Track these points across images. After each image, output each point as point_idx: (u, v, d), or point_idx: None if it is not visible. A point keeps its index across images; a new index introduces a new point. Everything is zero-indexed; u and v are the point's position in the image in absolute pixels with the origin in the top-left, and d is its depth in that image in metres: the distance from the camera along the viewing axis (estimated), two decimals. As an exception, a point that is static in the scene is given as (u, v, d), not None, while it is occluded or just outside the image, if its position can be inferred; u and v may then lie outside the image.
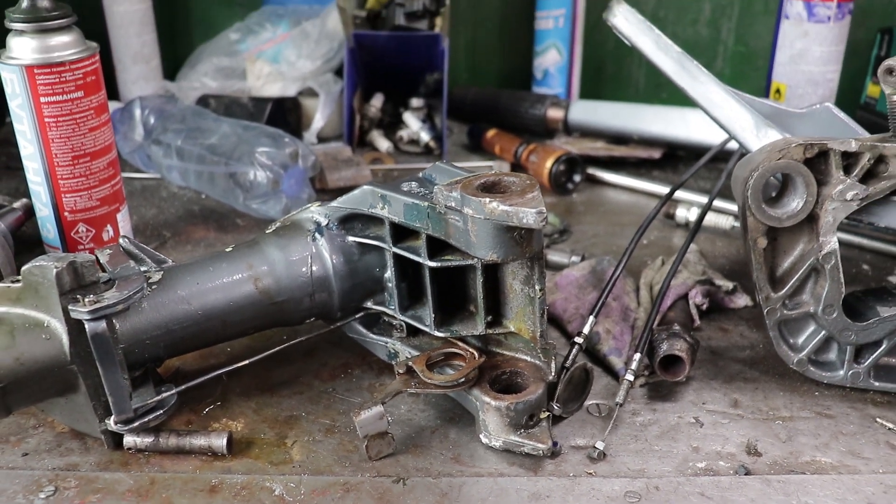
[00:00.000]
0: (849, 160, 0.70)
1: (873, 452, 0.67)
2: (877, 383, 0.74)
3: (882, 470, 0.65)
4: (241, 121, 1.11)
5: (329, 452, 0.66)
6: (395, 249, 0.69)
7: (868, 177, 0.70)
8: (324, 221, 0.72)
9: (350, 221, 0.73)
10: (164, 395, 0.66)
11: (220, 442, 0.65)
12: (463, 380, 0.66)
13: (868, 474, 0.65)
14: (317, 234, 0.72)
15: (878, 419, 0.71)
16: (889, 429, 0.70)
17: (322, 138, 1.32)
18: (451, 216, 0.63)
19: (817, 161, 0.70)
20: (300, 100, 1.32)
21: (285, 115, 1.28)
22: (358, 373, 0.76)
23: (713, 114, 0.81)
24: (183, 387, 0.67)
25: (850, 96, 1.34)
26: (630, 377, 0.71)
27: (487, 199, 0.59)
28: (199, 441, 0.65)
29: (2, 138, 1.34)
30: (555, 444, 0.65)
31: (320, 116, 1.30)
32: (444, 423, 0.70)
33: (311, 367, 0.77)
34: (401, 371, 0.67)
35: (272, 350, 0.71)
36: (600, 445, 0.66)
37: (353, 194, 0.71)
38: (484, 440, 0.66)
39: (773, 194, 0.72)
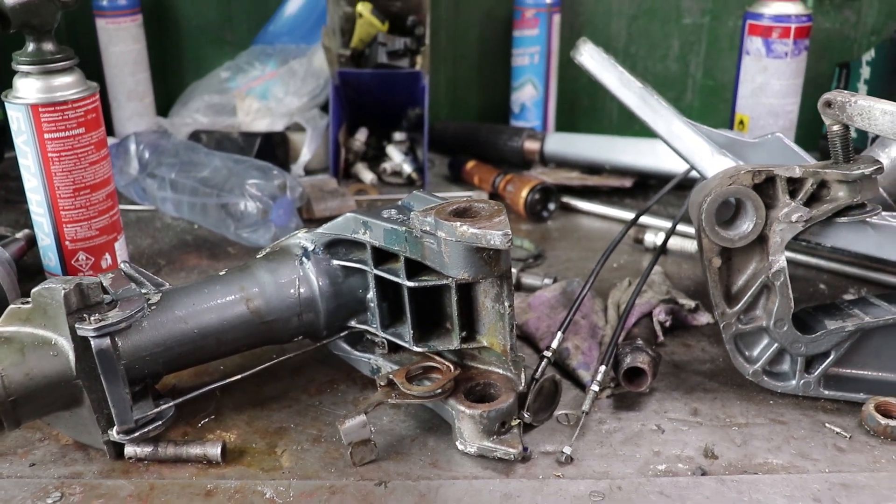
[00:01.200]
0: (794, 185, 0.76)
1: (821, 454, 0.73)
2: (826, 392, 0.79)
3: (828, 469, 0.71)
4: (231, 154, 1.17)
5: (316, 459, 0.71)
6: (376, 271, 0.75)
7: (812, 200, 0.76)
8: (310, 246, 0.78)
9: (335, 246, 0.78)
10: (163, 407, 0.71)
11: (214, 451, 0.70)
12: (440, 391, 0.71)
13: (815, 473, 0.70)
14: (304, 259, 0.77)
15: (827, 424, 0.77)
16: (837, 433, 0.76)
17: (309, 171, 1.38)
18: (427, 239, 0.69)
19: (765, 186, 0.76)
20: (288, 134, 1.39)
21: (274, 149, 1.34)
22: (343, 388, 0.82)
23: (672, 144, 0.87)
24: (180, 399, 0.72)
25: (813, 127, 1.41)
26: (596, 387, 0.76)
27: (458, 223, 0.65)
28: (195, 450, 0.70)
29: (1, 173, 1.39)
30: (525, 449, 0.71)
31: (307, 150, 1.36)
32: (423, 432, 0.75)
33: (299, 382, 0.82)
34: (382, 383, 0.73)
35: (262, 366, 0.76)
36: (567, 450, 0.71)
37: (336, 221, 0.77)
38: (460, 446, 0.71)
39: (730, 216, 0.78)
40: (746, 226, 0.76)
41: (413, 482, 0.68)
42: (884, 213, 0.78)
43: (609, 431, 0.75)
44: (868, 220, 0.77)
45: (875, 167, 0.74)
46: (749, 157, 0.87)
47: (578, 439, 0.73)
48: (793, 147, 0.87)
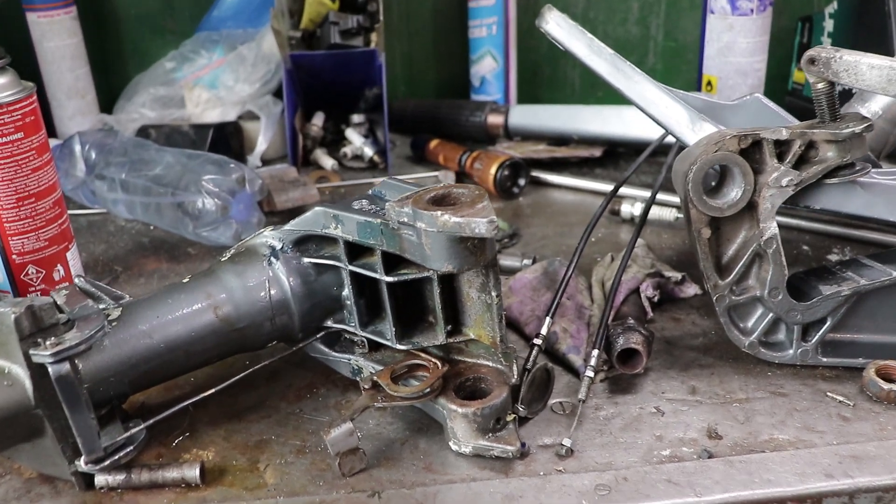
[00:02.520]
0: (781, 148, 0.73)
1: (827, 426, 0.70)
2: (825, 359, 0.77)
3: (836, 441, 0.68)
4: (184, 150, 1.11)
5: (302, 473, 0.66)
6: (351, 267, 0.70)
7: (800, 162, 0.73)
8: (278, 245, 0.73)
9: (304, 243, 0.73)
10: (133, 430, 0.66)
11: (192, 472, 0.65)
12: (428, 390, 0.67)
13: (824, 447, 0.68)
14: (272, 259, 0.73)
15: (828, 393, 0.74)
16: (840, 401, 0.73)
17: (266, 161, 1.33)
18: (405, 231, 0.64)
19: (752, 151, 0.73)
20: (241, 124, 1.33)
21: (227, 140, 1.28)
22: (324, 392, 0.77)
23: (649, 111, 0.83)
24: (151, 421, 0.67)
25: (778, 83, 1.39)
26: (590, 373, 0.73)
27: (439, 213, 0.60)
28: (172, 473, 0.65)
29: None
30: (523, 444, 0.67)
31: (263, 139, 1.30)
32: (413, 434, 0.71)
33: (276, 389, 0.78)
34: (366, 386, 0.68)
35: (236, 378, 0.72)
36: (567, 442, 0.67)
37: (305, 216, 0.72)
38: (454, 447, 0.67)
39: (713, 184, 0.75)
40: (735, 193, 0.73)
41: (408, 490, 0.64)
42: (872, 171, 0.75)
43: (607, 418, 0.72)
44: (858, 179, 0.74)
45: (864, 125, 0.71)
46: (728, 121, 0.84)
47: (577, 429, 0.70)
48: (772, 107, 0.83)
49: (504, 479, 0.65)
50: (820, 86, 0.72)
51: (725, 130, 0.74)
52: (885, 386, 0.73)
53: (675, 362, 0.79)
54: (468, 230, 0.60)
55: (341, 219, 0.69)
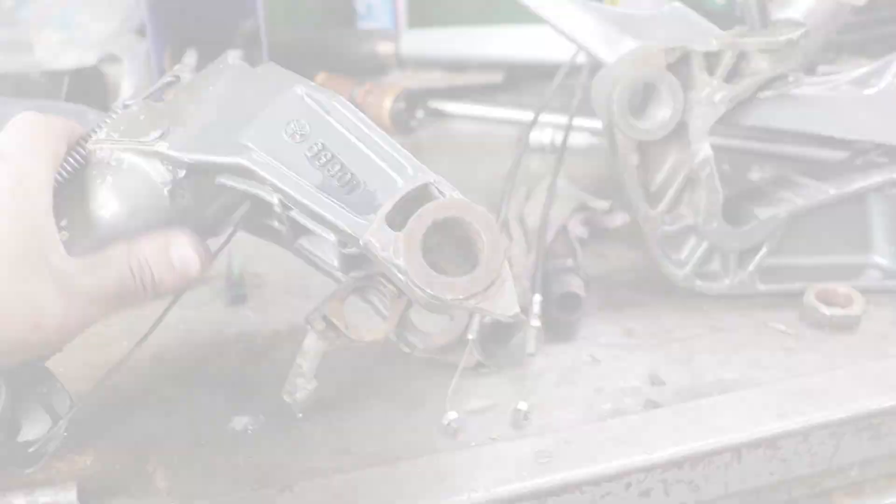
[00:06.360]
0: (710, 60, 0.66)
1: (772, 360, 0.66)
2: (763, 287, 0.72)
3: (784, 377, 0.63)
4: (35, 100, 0.97)
5: (198, 472, 0.56)
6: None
7: (732, 75, 0.67)
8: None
9: None
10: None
11: (69, 497, 0.54)
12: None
13: (772, 384, 0.63)
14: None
15: (769, 323, 0.70)
16: (782, 331, 0.68)
17: (134, 108, 1.18)
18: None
19: (679, 66, 0.66)
20: (102, 68, 1.18)
21: (87, 88, 1.14)
22: (215, 370, 0.67)
23: (560, 27, 0.75)
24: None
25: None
26: (536, 322, 0.65)
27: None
28: (44, 499, 0.54)
29: None
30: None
31: (128, 85, 1.15)
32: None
33: (160, 371, 0.67)
34: (320, 328, 0.57)
35: (116, 364, 0.61)
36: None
37: None
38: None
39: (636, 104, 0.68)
40: (663, 113, 0.66)
41: (324, 480, 0.55)
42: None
43: (540, 371, 0.65)
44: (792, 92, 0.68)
45: (801, 31, 0.64)
46: (649, 35, 0.76)
47: (504, 384, 0.63)
48: (695, 17, 0.76)
49: (432, 455, 0.57)
50: (748, -12, 0.66)
51: (649, 45, 0.67)
52: (827, 311, 0.68)
53: (606, 303, 0.73)
54: None
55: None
